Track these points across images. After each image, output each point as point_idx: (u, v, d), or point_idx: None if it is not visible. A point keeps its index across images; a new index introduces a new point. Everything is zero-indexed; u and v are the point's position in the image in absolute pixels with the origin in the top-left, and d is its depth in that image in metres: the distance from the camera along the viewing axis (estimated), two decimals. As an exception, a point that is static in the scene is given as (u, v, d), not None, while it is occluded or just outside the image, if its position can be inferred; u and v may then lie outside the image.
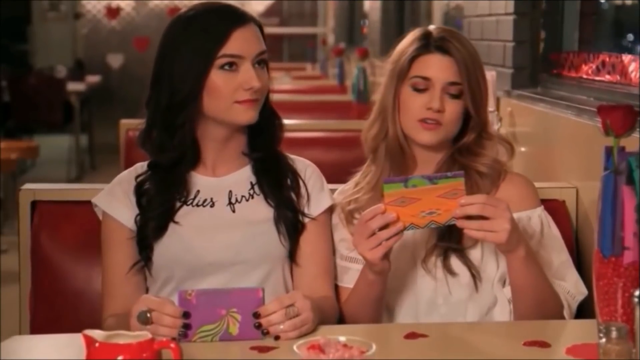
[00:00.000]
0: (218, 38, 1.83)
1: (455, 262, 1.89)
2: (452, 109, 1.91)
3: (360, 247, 1.72)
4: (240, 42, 1.84)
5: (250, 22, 1.87)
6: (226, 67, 1.83)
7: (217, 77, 1.83)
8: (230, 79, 1.83)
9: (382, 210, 1.69)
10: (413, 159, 1.98)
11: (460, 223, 1.68)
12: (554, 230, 1.97)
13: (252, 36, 1.86)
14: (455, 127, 1.94)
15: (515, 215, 1.87)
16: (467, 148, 1.95)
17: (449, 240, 1.88)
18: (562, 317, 1.86)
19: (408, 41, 1.95)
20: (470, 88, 1.90)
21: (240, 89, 1.84)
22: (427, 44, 1.92)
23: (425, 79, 1.90)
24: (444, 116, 1.90)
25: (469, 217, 1.68)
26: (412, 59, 1.92)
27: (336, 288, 1.95)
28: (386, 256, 1.74)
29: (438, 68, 1.91)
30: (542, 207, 1.97)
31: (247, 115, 1.85)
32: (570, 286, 1.91)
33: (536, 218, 1.94)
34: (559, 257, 1.94)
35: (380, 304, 1.87)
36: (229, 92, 1.83)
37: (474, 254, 1.89)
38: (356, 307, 1.87)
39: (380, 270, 1.77)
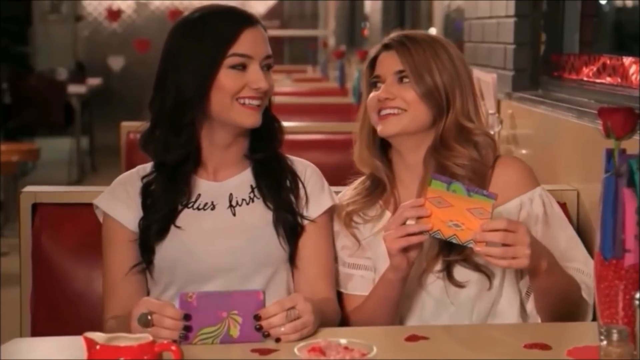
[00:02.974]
0: (228, 37, 1.83)
1: (463, 271, 1.88)
2: (405, 93, 1.92)
3: (387, 233, 1.75)
4: (250, 43, 1.85)
5: (258, 25, 1.89)
6: (238, 67, 1.83)
7: (225, 76, 1.83)
8: (238, 78, 1.84)
9: (422, 203, 1.72)
10: (399, 155, 1.98)
11: (481, 250, 1.69)
12: (556, 209, 1.97)
13: (261, 38, 1.88)
14: (418, 111, 1.92)
15: (517, 199, 1.89)
16: (443, 142, 1.93)
17: (449, 254, 1.87)
18: (583, 299, 1.86)
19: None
20: (415, 72, 1.91)
21: (246, 88, 1.84)
22: (380, 48, 2.00)
23: (377, 76, 1.97)
24: (400, 102, 1.92)
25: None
26: (372, 63, 2.01)
27: (341, 296, 1.95)
28: (406, 257, 1.75)
29: (385, 63, 1.97)
30: (541, 186, 1.97)
31: (252, 118, 1.86)
32: (581, 265, 1.91)
33: (537, 198, 1.94)
34: (565, 233, 1.95)
35: (395, 309, 1.86)
36: (235, 91, 1.84)
37: (479, 258, 1.88)
38: (372, 310, 1.87)
39: (397, 266, 1.76)
